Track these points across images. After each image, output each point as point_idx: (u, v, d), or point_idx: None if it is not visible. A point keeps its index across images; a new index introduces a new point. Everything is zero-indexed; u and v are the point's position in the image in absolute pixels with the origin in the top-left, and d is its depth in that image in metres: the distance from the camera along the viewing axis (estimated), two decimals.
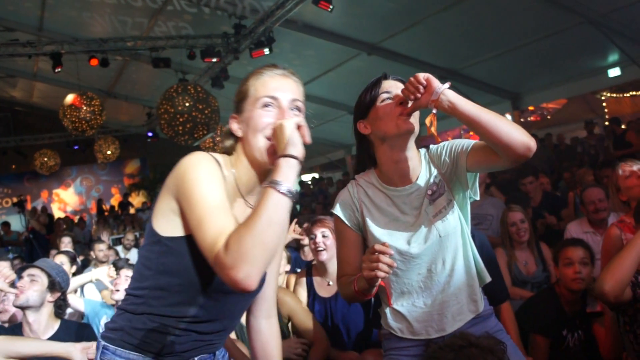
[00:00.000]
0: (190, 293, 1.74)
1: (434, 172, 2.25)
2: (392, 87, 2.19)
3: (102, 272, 4.79)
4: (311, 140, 1.71)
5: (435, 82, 1.97)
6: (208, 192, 1.65)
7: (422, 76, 1.98)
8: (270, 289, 2.08)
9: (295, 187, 1.62)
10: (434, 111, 2.01)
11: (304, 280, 4.04)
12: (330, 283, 3.87)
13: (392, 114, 2.13)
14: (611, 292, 2.69)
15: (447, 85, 1.98)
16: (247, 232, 1.50)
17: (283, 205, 1.56)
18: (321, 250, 3.77)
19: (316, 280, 3.97)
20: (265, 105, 1.82)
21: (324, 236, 3.79)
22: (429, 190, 2.21)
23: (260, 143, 1.79)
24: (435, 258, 2.19)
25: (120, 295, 4.23)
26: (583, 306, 3.63)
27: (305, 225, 5.19)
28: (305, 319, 3.73)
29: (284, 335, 3.74)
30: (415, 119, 2.14)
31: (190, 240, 1.70)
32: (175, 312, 1.76)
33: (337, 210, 2.34)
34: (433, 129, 2.06)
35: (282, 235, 1.59)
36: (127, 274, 4.33)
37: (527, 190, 6.18)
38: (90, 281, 4.82)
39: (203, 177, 1.68)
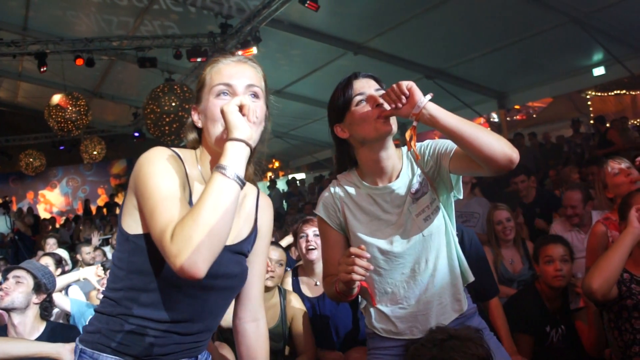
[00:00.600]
0: (165, 291, 1.70)
1: (417, 171, 2.23)
2: (365, 87, 2.15)
3: (90, 271, 4.75)
4: (257, 119, 1.68)
5: (418, 94, 1.94)
6: (160, 184, 1.63)
7: (405, 85, 1.94)
8: (255, 290, 2.03)
9: (243, 171, 1.58)
10: (414, 124, 2.00)
11: (288, 280, 4.04)
12: (318, 283, 3.87)
13: (369, 118, 2.10)
14: (599, 290, 2.71)
15: (429, 97, 1.95)
16: (191, 219, 1.48)
17: (229, 190, 1.53)
18: (312, 249, 3.76)
19: (302, 280, 3.97)
20: (220, 93, 1.77)
21: (315, 235, 3.78)
22: (412, 189, 2.20)
23: (218, 132, 1.75)
24: (419, 257, 2.18)
25: None
26: (564, 302, 3.65)
27: (296, 224, 5.19)
28: (302, 327, 3.70)
29: (285, 338, 3.73)
30: (393, 119, 2.11)
31: None
32: (152, 313, 1.71)
33: (320, 211, 2.33)
34: (413, 144, 2.05)
35: (229, 221, 1.53)
36: None
37: (518, 188, 6.21)
38: (78, 280, 4.79)
39: (157, 170, 1.66)
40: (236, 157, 1.58)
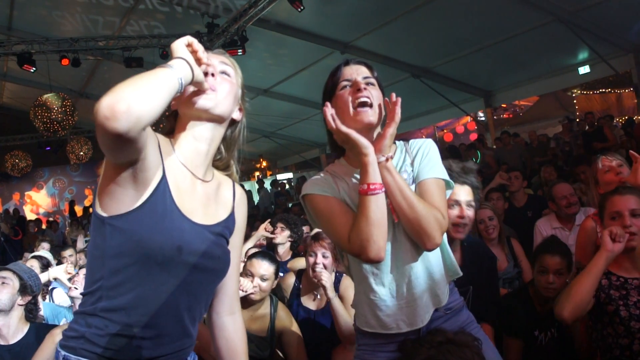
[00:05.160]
0: (147, 271, 1.67)
1: (408, 161, 2.21)
2: (353, 74, 2.15)
3: (59, 270, 4.70)
4: (204, 57, 1.72)
5: (383, 144, 2.04)
6: None
7: (398, 110, 2.04)
8: (231, 283, 2.03)
9: (184, 79, 1.62)
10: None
11: (291, 282, 4.01)
12: (319, 297, 3.84)
13: (348, 103, 2.09)
14: (570, 318, 2.74)
15: (390, 154, 2.04)
16: (125, 81, 1.49)
17: (168, 76, 1.57)
18: (319, 271, 3.64)
19: (304, 288, 3.94)
20: None
21: (324, 257, 3.71)
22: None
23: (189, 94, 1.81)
24: (401, 246, 2.14)
25: (76, 293, 4.19)
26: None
27: (307, 237, 5.13)
28: (294, 342, 3.67)
29: (272, 348, 3.68)
30: (373, 111, 2.10)
31: (137, 213, 1.65)
32: (137, 301, 1.67)
33: (311, 188, 2.21)
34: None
35: (161, 93, 1.53)
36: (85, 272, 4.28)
37: (512, 183, 6.28)
38: (49, 280, 4.74)
39: None
40: (180, 66, 1.62)
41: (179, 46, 1.68)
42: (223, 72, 1.88)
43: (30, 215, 20.61)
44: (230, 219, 1.95)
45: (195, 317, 1.85)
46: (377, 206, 1.94)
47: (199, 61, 1.70)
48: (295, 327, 3.73)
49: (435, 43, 11.51)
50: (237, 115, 1.97)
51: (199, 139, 1.85)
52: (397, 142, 2.28)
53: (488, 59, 11.93)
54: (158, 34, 11.41)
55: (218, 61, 1.88)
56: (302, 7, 8.76)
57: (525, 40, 10.75)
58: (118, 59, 12.10)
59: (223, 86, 1.84)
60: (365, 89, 2.09)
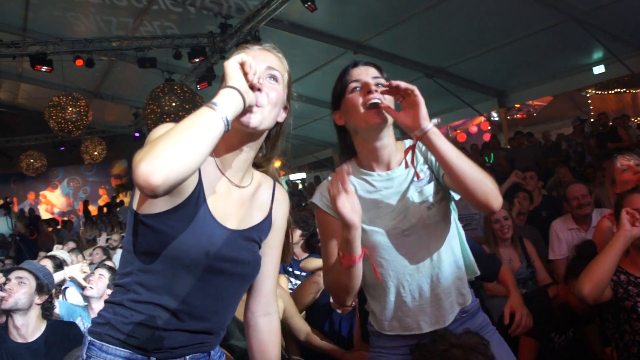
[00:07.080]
0: (175, 273, 1.69)
1: (421, 160, 2.19)
2: (362, 74, 2.12)
3: (75, 269, 4.71)
4: (255, 78, 1.64)
5: (423, 116, 1.89)
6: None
7: (411, 89, 1.91)
8: (268, 283, 2.01)
9: (231, 116, 1.53)
10: (414, 142, 1.99)
11: (320, 287, 3.96)
12: (352, 304, 3.81)
13: (358, 105, 2.05)
14: (590, 296, 2.72)
15: (435, 121, 1.91)
16: (165, 134, 1.44)
17: (212, 122, 1.47)
18: None
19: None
20: None
21: None
22: (415, 178, 2.14)
23: None
24: (421, 247, 2.13)
25: (91, 292, 4.22)
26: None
27: None
28: (288, 303, 3.69)
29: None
30: (384, 113, 2.04)
31: (169, 215, 1.66)
32: (162, 298, 1.69)
33: (317, 199, 2.24)
34: (411, 163, 2.03)
35: (203, 149, 1.45)
36: (101, 272, 4.31)
37: (527, 183, 6.30)
38: (64, 279, 4.76)
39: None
40: (228, 101, 1.54)
41: (233, 70, 1.61)
42: (271, 77, 1.81)
43: (45, 215, 20.78)
44: (266, 222, 1.94)
45: (222, 320, 1.86)
46: (357, 274, 1.96)
47: (250, 82, 1.63)
48: (280, 291, 3.75)
49: (449, 43, 11.46)
50: (281, 117, 1.91)
51: (239, 148, 1.81)
52: (405, 142, 2.25)
53: (501, 59, 11.85)
54: (171, 34, 11.45)
55: (265, 65, 1.80)
56: (315, 8, 8.74)
57: (539, 39, 10.67)
58: (131, 60, 12.15)
59: (270, 97, 1.75)
60: (376, 90, 2.04)
